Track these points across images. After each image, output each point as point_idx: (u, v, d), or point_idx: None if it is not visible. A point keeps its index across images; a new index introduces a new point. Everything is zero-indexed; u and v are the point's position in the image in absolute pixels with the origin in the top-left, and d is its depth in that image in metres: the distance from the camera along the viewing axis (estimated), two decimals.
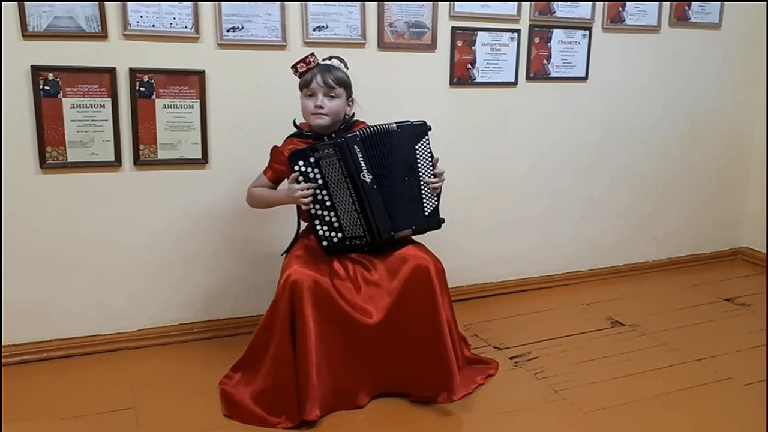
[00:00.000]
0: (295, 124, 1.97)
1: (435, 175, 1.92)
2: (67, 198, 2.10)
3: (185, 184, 2.22)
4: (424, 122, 1.90)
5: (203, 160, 2.22)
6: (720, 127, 3.08)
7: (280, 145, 1.97)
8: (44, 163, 2.05)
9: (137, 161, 2.15)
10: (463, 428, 1.82)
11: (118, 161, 2.13)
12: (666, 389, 2.00)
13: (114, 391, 1.96)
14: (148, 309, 2.26)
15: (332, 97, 1.88)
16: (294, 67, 1.90)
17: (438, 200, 1.94)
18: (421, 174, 1.90)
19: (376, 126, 1.85)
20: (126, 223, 2.18)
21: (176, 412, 1.85)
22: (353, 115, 1.98)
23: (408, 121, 1.89)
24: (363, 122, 1.98)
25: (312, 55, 1.89)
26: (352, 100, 1.96)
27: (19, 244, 2.08)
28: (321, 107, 1.87)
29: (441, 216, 1.94)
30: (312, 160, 1.82)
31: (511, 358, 2.19)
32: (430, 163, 1.92)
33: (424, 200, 1.91)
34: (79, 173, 2.10)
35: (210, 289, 2.32)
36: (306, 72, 1.88)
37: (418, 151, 1.89)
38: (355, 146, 1.80)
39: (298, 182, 1.83)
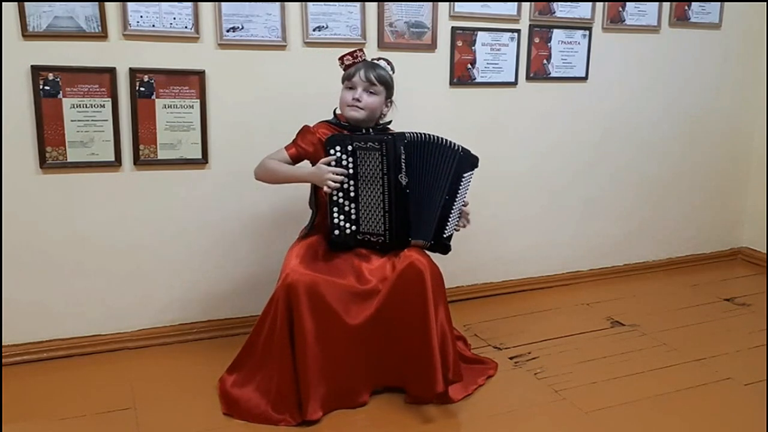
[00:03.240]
0: (334, 113, 1.98)
1: (464, 213, 1.98)
2: (67, 198, 2.10)
3: (185, 184, 2.22)
4: (478, 158, 1.97)
5: (203, 160, 2.22)
6: (720, 127, 3.08)
7: (311, 126, 1.97)
8: (44, 163, 2.05)
9: (137, 161, 2.15)
10: (463, 428, 1.82)
11: (118, 161, 2.13)
12: (666, 389, 2.00)
13: (114, 391, 1.96)
14: (148, 309, 2.26)
15: (371, 93, 1.91)
16: (341, 59, 1.92)
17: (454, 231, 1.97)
18: (457, 200, 1.93)
19: (425, 134, 1.87)
20: (126, 223, 2.18)
21: (176, 412, 1.85)
22: (390, 122, 2.00)
23: (468, 150, 1.94)
24: (393, 130, 1.99)
25: (360, 50, 1.93)
26: (391, 102, 1.99)
27: (19, 244, 2.08)
28: (359, 100, 1.89)
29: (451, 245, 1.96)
30: (350, 148, 1.83)
31: (511, 358, 2.19)
32: (465, 197, 1.96)
33: (449, 223, 1.93)
34: (79, 173, 2.10)
35: (210, 289, 2.32)
36: (351, 65, 1.91)
37: (463, 179, 1.93)
38: (402, 147, 1.82)
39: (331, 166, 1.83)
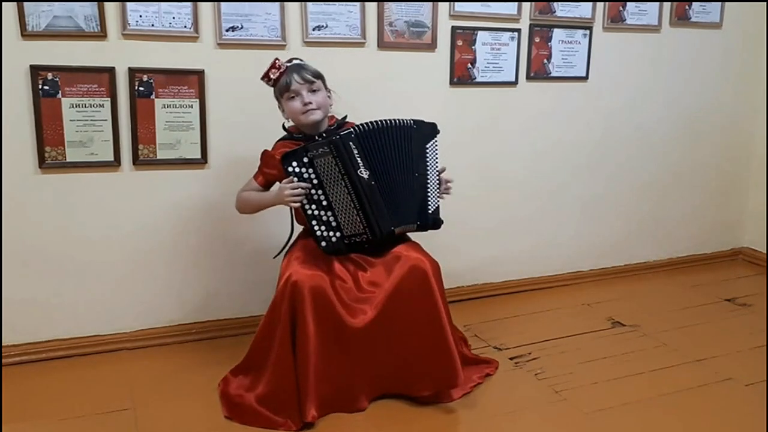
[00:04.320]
0: (284, 128, 1.96)
1: (442, 180, 1.95)
2: (66, 198, 2.10)
3: (184, 183, 2.22)
4: (435, 124, 1.93)
5: (202, 160, 2.22)
6: (720, 127, 3.07)
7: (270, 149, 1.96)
8: (43, 163, 2.05)
9: (136, 161, 2.14)
10: (463, 429, 1.82)
11: (117, 161, 2.12)
12: (667, 390, 1.99)
13: (113, 391, 1.96)
14: (147, 309, 2.25)
15: (315, 91, 1.87)
16: (266, 76, 1.88)
17: (439, 202, 1.95)
18: (429, 172, 1.90)
19: (373, 122, 1.84)
20: (125, 223, 2.18)
21: (175, 413, 1.85)
22: (345, 117, 1.97)
23: (421, 120, 1.90)
24: (353, 123, 1.96)
25: (278, 59, 1.89)
26: (330, 91, 1.95)
27: (19, 244, 2.08)
28: (310, 103, 1.86)
29: (441, 217, 1.95)
30: (305, 160, 1.80)
31: (511, 359, 2.19)
32: (437, 165, 1.93)
33: (429, 198, 1.91)
34: (78, 173, 2.10)
35: (210, 289, 2.32)
36: (280, 77, 1.87)
37: (428, 150, 1.91)
38: (351, 143, 1.79)
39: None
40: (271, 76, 1.87)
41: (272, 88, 1.91)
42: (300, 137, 1.92)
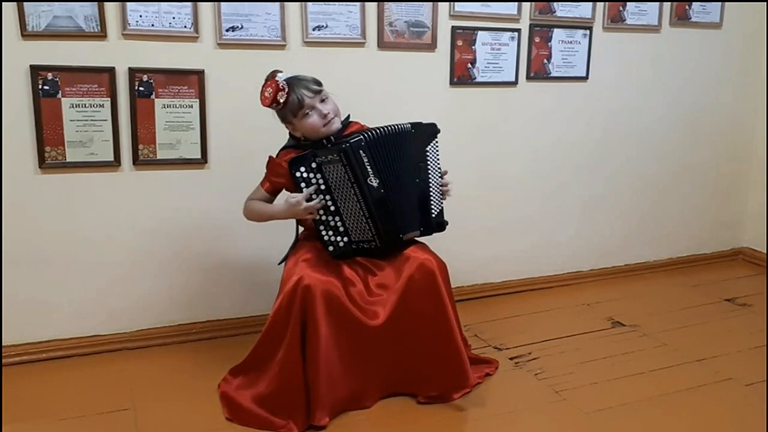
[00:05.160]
0: (291, 135, 1.93)
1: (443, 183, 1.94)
2: (66, 198, 2.10)
3: (184, 184, 2.22)
4: (435, 124, 1.91)
5: (202, 160, 2.22)
6: (720, 127, 3.07)
7: (275, 155, 1.94)
8: (43, 163, 2.05)
9: (136, 161, 2.14)
10: (464, 428, 1.82)
11: (117, 161, 2.12)
12: (667, 390, 1.99)
13: (113, 391, 1.96)
14: (148, 309, 2.25)
15: (326, 99, 1.85)
16: (274, 101, 1.79)
17: (442, 203, 1.95)
18: (431, 175, 1.90)
19: (379, 128, 1.82)
20: (125, 223, 2.18)
21: (175, 413, 1.85)
22: (348, 116, 1.96)
23: (420, 122, 1.88)
24: (357, 123, 1.96)
25: (275, 80, 1.81)
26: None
27: (19, 244, 2.08)
28: (329, 113, 1.83)
29: (446, 219, 1.95)
30: (314, 165, 1.79)
31: (511, 359, 2.19)
32: (439, 165, 1.92)
33: (432, 202, 1.91)
34: (78, 173, 2.10)
35: (210, 289, 2.32)
36: (288, 97, 1.80)
37: (428, 153, 1.90)
38: (361, 151, 1.77)
39: (302, 191, 1.80)
40: (280, 99, 1.79)
41: (273, 109, 1.84)
42: (307, 144, 1.88)
